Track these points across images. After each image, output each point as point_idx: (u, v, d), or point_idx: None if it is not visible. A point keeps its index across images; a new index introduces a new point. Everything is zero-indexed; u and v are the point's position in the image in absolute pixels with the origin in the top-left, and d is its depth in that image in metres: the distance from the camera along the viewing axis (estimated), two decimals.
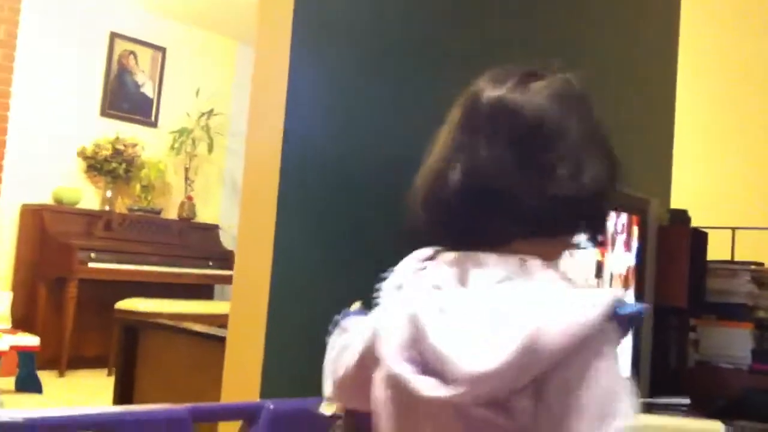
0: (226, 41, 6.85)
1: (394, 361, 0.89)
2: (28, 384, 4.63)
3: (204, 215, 6.61)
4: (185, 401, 1.33)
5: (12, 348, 4.51)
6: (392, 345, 0.90)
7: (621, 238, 2.01)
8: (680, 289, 2.11)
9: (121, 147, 5.95)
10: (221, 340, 1.97)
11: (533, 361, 0.81)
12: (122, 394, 2.78)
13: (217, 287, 6.33)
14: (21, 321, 5.16)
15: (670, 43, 3.40)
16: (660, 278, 2.09)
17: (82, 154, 5.88)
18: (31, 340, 4.65)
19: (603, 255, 1.93)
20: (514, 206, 0.91)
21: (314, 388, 1.54)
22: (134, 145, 6.05)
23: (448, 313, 0.87)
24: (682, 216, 2.33)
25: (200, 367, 2.47)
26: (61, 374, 5.18)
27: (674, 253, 2.15)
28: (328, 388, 1.16)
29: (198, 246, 6.21)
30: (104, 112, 6.10)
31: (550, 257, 0.95)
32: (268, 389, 1.73)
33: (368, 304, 1.23)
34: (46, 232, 5.40)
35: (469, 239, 0.94)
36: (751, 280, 2.26)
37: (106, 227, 5.69)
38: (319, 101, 1.88)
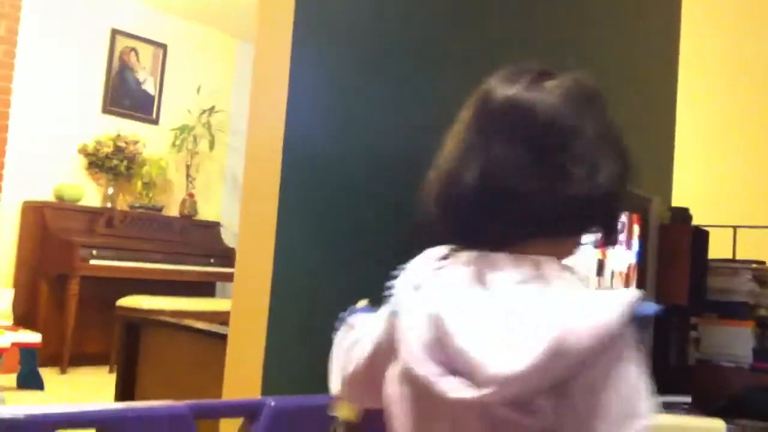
0: (227, 38, 6.85)
1: (418, 362, 0.88)
2: (29, 381, 4.64)
3: (205, 212, 6.61)
4: (187, 398, 1.33)
5: (14, 345, 4.51)
6: (414, 345, 0.89)
7: (622, 237, 2.01)
8: (681, 287, 2.12)
9: (122, 144, 5.95)
10: (222, 337, 1.97)
11: (560, 362, 0.82)
12: (124, 391, 2.78)
13: (219, 284, 6.33)
14: (23, 318, 5.17)
15: (671, 41, 3.40)
16: (661, 276, 2.09)
17: (84, 151, 5.88)
18: (32, 337, 4.66)
19: (604, 253, 1.93)
20: (530, 207, 0.91)
21: (315, 385, 1.54)
22: (135, 142, 6.05)
23: (472, 314, 0.87)
24: (683, 214, 2.33)
25: (202, 365, 2.47)
26: (63, 371, 5.18)
27: (675, 252, 2.15)
28: (335, 385, 1.15)
29: (199, 243, 6.21)
30: (106, 109, 6.10)
31: (561, 256, 0.95)
32: (269, 386, 1.74)
33: (374, 302, 1.24)
34: (48, 230, 5.40)
35: (483, 240, 0.94)
36: (752, 278, 2.26)
37: (108, 224, 5.69)
38: (319, 99, 1.88)
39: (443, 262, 0.96)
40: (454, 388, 0.84)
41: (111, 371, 5.17)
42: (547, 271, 0.90)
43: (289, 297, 1.80)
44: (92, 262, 5.33)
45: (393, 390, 0.96)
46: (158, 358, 2.77)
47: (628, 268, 2.03)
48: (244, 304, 1.86)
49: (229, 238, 6.37)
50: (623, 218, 2.01)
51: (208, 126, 6.49)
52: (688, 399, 1.96)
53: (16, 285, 5.40)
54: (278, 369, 1.77)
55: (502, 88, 0.96)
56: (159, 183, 6.32)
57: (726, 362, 2.14)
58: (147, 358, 2.79)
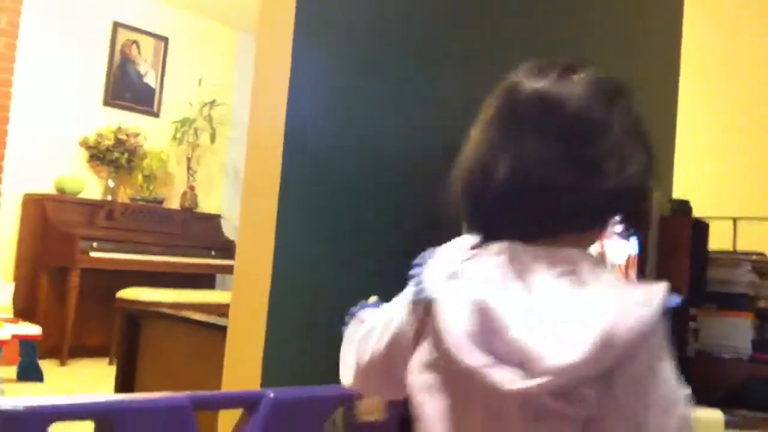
0: (228, 31, 6.84)
1: (465, 352, 0.87)
2: (29, 373, 4.65)
3: (206, 205, 6.61)
4: (186, 390, 1.33)
5: (14, 337, 4.52)
6: (459, 335, 0.88)
7: (622, 228, 2.00)
8: (681, 278, 2.11)
9: (123, 137, 5.95)
10: (222, 329, 1.97)
11: (609, 354, 0.84)
12: (124, 383, 2.79)
13: (219, 277, 6.34)
14: (23, 310, 5.17)
15: (672, 35, 3.39)
16: (661, 268, 2.09)
17: (85, 144, 5.89)
18: (32, 330, 4.67)
19: (603, 245, 1.93)
20: (562, 202, 0.92)
21: (315, 377, 1.54)
22: (136, 135, 6.05)
23: (518, 306, 0.88)
24: (683, 206, 2.33)
25: (201, 356, 2.47)
26: (63, 363, 5.19)
27: (676, 243, 2.15)
28: (348, 376, 1.15)
29: (200, 236, 6.22)
30: (107, 102, 6.10)
31: (585, 246, 0.97)
32: (268, 378, 1.74)
33: (383, 297, 1.24)
34: (48, 222, 5.41)
35: (514, 233, 0.94)
36: (752, 270, 2.26)
37: (108, 217, 5.69)
38: (321, 93, 1.88)
39: (474, 253, 0.95)
40: (508, 380, 0.85)
41: (111, 363, 5.19)
42: (582, 264, 0.91)
43: (288, 289, 1.80)
44: (93, 254, 5.34)
45: (421, 378, 0.95)
46: (158, 349, 2.77)
47: (628, 259, 2.03)
48: (244, 296, 1.86)
49: (229, 230, 6.38)
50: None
51: (209, 119, 6.49)
52: (687, 390, 1.96)
53: (17, 277, 5.41)
54: (278, 361, 1.77)
55: (530, 82, 0.96)
56: (160, 176, 6.32)
57: (725, 353, 2.14)
58: (147, 349, 2.79)
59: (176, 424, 1.28)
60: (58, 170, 5.72)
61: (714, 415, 1.75)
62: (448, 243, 1.00)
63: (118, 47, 6.16)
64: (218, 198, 6.78)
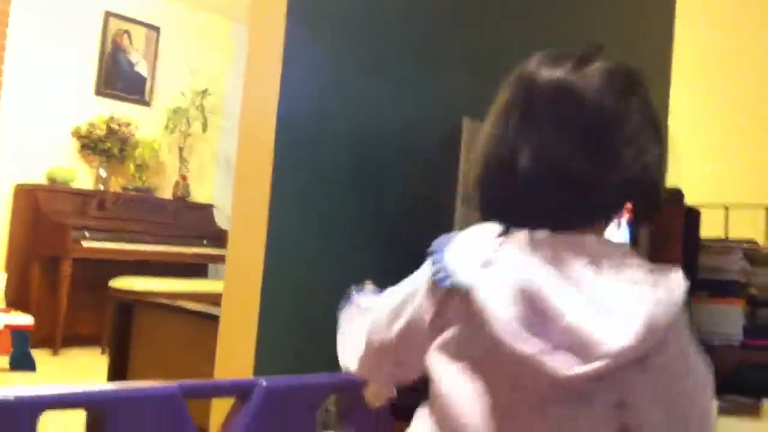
0: (221, 20, 6.80)
1: (519, 340, 0.88)
2: (21, 362, 4.64)
3: (198, 194, 6.60)
4: (179, 379, 1.33)
5: (6, 327, 4.51)
6: (508, 323, 0.88)
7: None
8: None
9: (115, 126, 5.92)
10: (215, 318, 1.97)
11: (652, 338, 0.86)
12: (116, 373, 2.79)
13: (211, 266, 6.33)
14: (15, 300, 5.16)
15: (666, 25, 3.39)
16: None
17: (76, 134, 5.86)
18: (24, 319, 4.66)
19: None
20: (583, 192, 0.94)
21: (307, 365, 1.54)
22: (128, 125, 6.02)
23: (565, 293, 0.89)
24: (676, 195, 2.33)
25: (194, 345, 2.47)
26: (55, 353, 5.18)
27: (668, 231, 2.15)
28: (352, 361, 1.16)
29: (192, 225, 6.20)
30: (98, 92, 6.07)
31: (602, 233, 0.98)
32: (261, 367, 1.74)
33: (379, 284, 1.26)
34: (40, 212, 5.39)
35: (539, 222, 0.95)
36: (743, 257, 2.26)
37: (100, 206, 5.67)
38: (313, 82, 1.87)
39: (503, 241, 0.95)
40: (566, 365, 0.86)
41: (103, 352, 5.18)
42: (608, 251, 0.93)
43: (280, 279, 1.80)
44: (85, 244, 5.32)
45: (447, 362, 0.96)
46: (151, 339, 2.77)
47: None
48: (237, 285, 1.86)
49: (222, 220, 6.36)
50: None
51: (201, 108, 6.46)
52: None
53: (9, 267, 5.39)
54: (270, 350, 1.77)
55: (547, 72, 0.97)
56: (152, 165, 6.29)
57: (717, 340, 2.15)
58: (139, 339, 2.79)
59: (168, 412, 1.27)
60: (50, 160, 5.69)
61: None
62: (467, 231, 1.00)
63: (109, 37, 6.13)
64: (210, 187, 6.76)
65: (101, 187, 5.88)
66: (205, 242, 6.08)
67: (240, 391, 1.40)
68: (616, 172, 0.93)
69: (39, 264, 5.34)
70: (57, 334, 5.18)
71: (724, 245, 2.31)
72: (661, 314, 0.87)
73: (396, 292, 1.07)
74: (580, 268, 0.90)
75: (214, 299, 2.25)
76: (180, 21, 6.54)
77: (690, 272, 2.28)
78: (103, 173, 5.93)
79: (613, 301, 0.88)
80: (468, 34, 2.23)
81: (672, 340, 0.90)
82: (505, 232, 0.96)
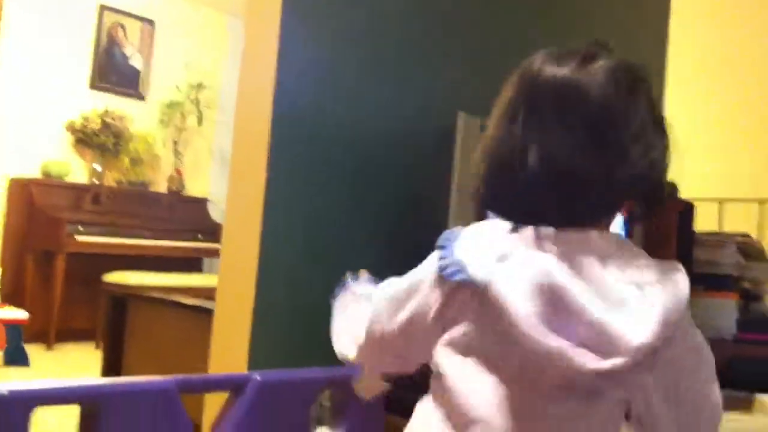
0: (216, 14, 6.79)
1: (543, 335, 0.88)
2: (15, 357, 4.63)
3: (193, 189, 6.59)
4: (173, 373, 1.33)
5: (0, 321, 4.50)
6: (530, 318, 0.89)
7: None
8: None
9: (109, 120, 5.91)
10: (209, 312, 1.97)
11: (665, 334, 0.88)
12: (110, 367, 2.79)
13: (206, 260, 6.33)
14: (9, 295, 5.15)
15: (660, 16, 3.39)
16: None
17: (71, 128, 5.84)
18: (18, 314, 4.65)
19: None
20: (591, 190, 0.94)
21: (302, 360, 1.54)
22: (122, 118, 6.01)
23: (585, 289, 0.89)
24: (670, 188, 2.33)
25: (188, 340, 2.47)
26: (49, 347, 5.18)
27: (662, 225, 2.16)
28: (349, 349, 1.16)
29: (187, 219, 6.20)
30: (93, 85, 6.05)
31: (607, 228, 0.99)
32: (255, 361, 1.74)
33: (375, 274, 1.28)
34: (35, 206, 5.37)
35: (549, 219, 0.95)
36: (737, 251, 2.27)
37: (95, 201, 5.66)
38: (309, 75, 1.86)
39: (515, 237, 0.96)
40: (590, 360, 0.87)
41: (98, 347, 5.18)
42: (617, 247, 0.94)
43: (275, 273, 1.80)
44: (79, 238, 5.31)
45: (451, 355, 0.96)
46: (145, 333, 2.77)
47: None
48: (231, 280, 1.86)
49: (217, 214, 6.35)
50: None
51: (196, 102, 6.45)
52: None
53: (3, 262, 5.38)
54: (264, 344, 1.77)
55: (551, 70, 0.98)
56: (146, 159, 6.28)
57: (710, 334, 2.15)
58: (133, 333, 2.79)
59: (162, 407, 1.27)
60: (44, 154, 5.68)
61: None
62: (475, 226, 1.00)
63: (104, 30, 6.11)
64: (205, 181, 6.75)
65: (96, 181, 5.87)
66: (199, 236, 6.08)
67: (234, 386, 1.40)
68: (623, 169, 0.93)
69: (33, 258, 5.33)
70: (51, 329, 5.17)
71: (719, 239, 2.32)
72: (672, 311, 0.89)
73: (398, 283, 1.07)
74: (589, 265, 0.91)
75: (209, 293, 2.25)
76: (174, 14, 6.52)
77: (685, 266, 2.28)
78: (97, 167, 5.92)
79: (625, 298, 0.89)
80: (464, 29, 2.23)
81: (679, 336, 0.91)
82: (515, 229, 0.97)
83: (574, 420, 0.92)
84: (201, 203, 6.49)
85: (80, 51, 5.97)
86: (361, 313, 1.18)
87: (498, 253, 0.93)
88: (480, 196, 1.02)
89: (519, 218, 0.97)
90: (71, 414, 1.24)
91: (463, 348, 0.95)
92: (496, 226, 0.98)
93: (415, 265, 1.08)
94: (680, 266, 0.94)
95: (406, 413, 1.62)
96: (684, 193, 2.37)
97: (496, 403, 0.91)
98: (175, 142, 6.48)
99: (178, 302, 2.70)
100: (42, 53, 5.71)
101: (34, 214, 5.36)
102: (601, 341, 0.87)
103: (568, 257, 0.91)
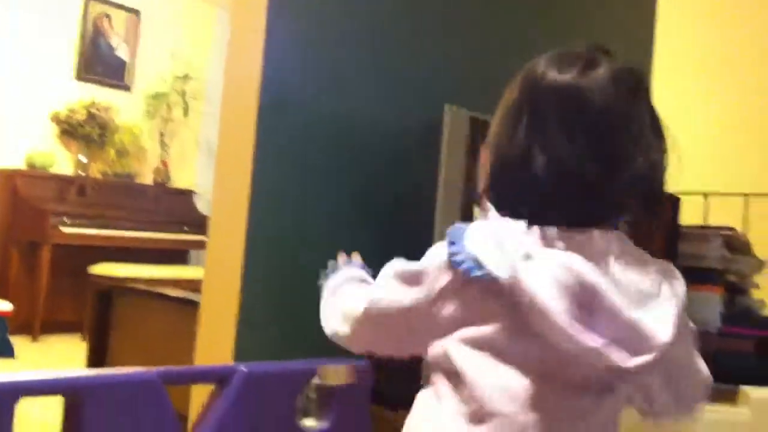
0: (202, 5, 6.75)
1: (580, 333, 0.90)
2: (0, 349, 4.60)
3: (179, 180, 6.56)
4: (159, 365, 1.32)
5: None
6: (558, 314, 0.90)
7: None
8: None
9: (95, 111, 5.87)
10: (195, 304, 1.96)
11: (680, 329, 0.93)
12: (95, 359, 2.78)
13: (193, 253, 6.30)
14: None
15: (647, 12, 3.39)
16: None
17: (56, 119, 5.80)
18: (3, 306, 4.62)
19: None
20: (597, 192, 0.97)
21: (288, 352, 1.54)
22: (108, 110, 5.98)
23: (613, 287, 0.92)
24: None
25: (174, 332, 2.47)
26: (35, 339, 5.15)
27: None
28: (339, 324, 1.17)
29: (173, 211, 6.17)
30: (79, 76, 6.01)
31: (611, 229, 1.01)
32: (241, 353, 1.73)
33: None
34: (19, 197, 5.34)
35: (554, 219, 0.97)
36: (722, 244, 2.28)
37: (80, 192, 5.63)
38: (296, 64, 1.86)
39: (531, 235, 0.97)
40: (623, 358, 0.90)
41: (83, 339, 5.15)
42: (625, 247, 0.98)
43: (261, 265, 1.79)
44: (64, 229, 5.28)
45: (467, 349, 0.97)
46: (130, 325, 2.76)
47: None
48: (217, 272, 1.85)
49: (203, 206, 6.33)
50: None
51: (182, 93, 6.42)
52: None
53: None
54: (250, 336, 1.77)
55: (554, 74, 1.00)
56: (132, 151, 6.24)
57: (695, 327, 2.16)
58: (119, 325, 2.78)
59: (147, 398, 1.27)
60: (29, 145, 5.64)
61: None
62: (488, 223, 1.01)
63: (90, 20, 6.07)
64: (192, 173, 6.72)
65: (81, 173, 5.83)
66: (186, 228, 6.05)
67: (220, 378, 1.40)
68: (625, 171, 0.96)
69: (18, 250, 5.30)
70: (36, 321, 5.15)
71: (704, 233, 2.33)
72: (681, 309, 0.94)
73: (404, 268, 1.07)
74: (606, 264, 0.94)
75: (195, 286, 2.24)
76: (160, 5, 6.48)
77: (669, 259, 2.29)
78: (83, 159, 5.88)
79: (644, 296, 0.93)
80: (452, 21, 2.23)
81: (682, 331, 0.95)
82: (529, 228, 0.98)
83: (586, 415, 0.96)
84: (187, 195, 6.47)
85: (65, 41, 5.93)
86: (355, 292, 1.20)
87: (522, 251, 0.94)
88: (487, 195, 1.04)
89: (527, 218, 0.98)
90: (56, 406, 1.23)
91: (480, 343, 0.97)
92: (513, 225, 0.98)
93: (403, 256, 1.08)
94: (673, 266, 0.98)
95: (392, 404, 1.63)
96: (669, 187, 2.38)
97: (515, 398, 0.94)
98: (162, 134, 6.45)
99: (164, 294, 2.69)
100: (27, 44, 5.66)
101: (19, 205, 5.33)
102: (632, 339, 0.90)
103: (588, 256, 0.94)
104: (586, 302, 0.91)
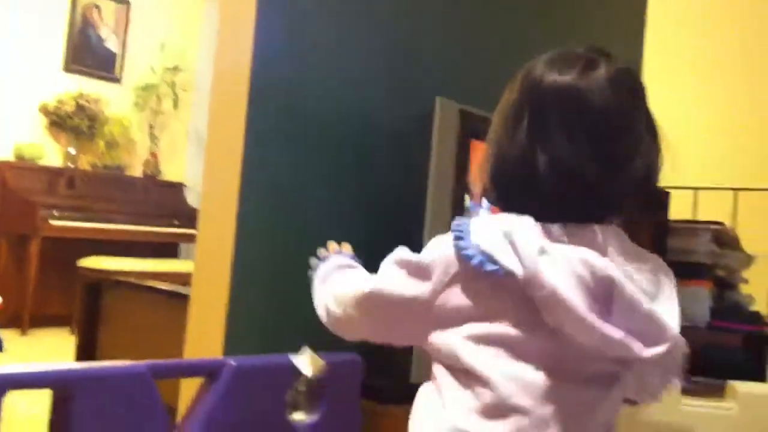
0: None
1: (600, 325, 0.93)
2: None
3: (169, 173, 6.54)
4: (148, 359, 1.32)
5: None
6: (583, 307, 0.92)
7: None
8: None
9: (84, 103, 5.84)
10: (185, 298, 1.96)
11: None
12: (84, 353, 2.77)
13: (183, 246, 6.28)
14: None
15: (637, 10, 3.40)
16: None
17: (44, 110, 5.77)
18: None
19: None
20: (598, 191, 0.99)
21: (277, 346, 1.54)
22: (97, 101, 5.95)
23: (629, 281, 0.95)
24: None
25: (164, 326, 2.46)
26: (24, 333, 5.13)
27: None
28: (332, 306, 1.17)
29: (163, 204, 6.15)
30: (67, 68, 5.98)
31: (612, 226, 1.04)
32: (231, 347, 1.73)
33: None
34: (8, 189, 5.31)
35: (556, 216, 0.99)
36: (711, 239, 2.28)
37: (69, 184, 5.61)
38: (286, 53, 1.85)
39: (540, 230, 0.98)
40: (640, 348, 0.94)
41: (72, 333, 5.13)
42: (621, 240, 1.00)
43: (252, 258, 1.79)
44: (53, 222, 5.26)
45: (477, 344, 0.98)
46: (120, 319, 2.75)
47: None
48: (207, 265, 1.85)
49: (193, 199, 6.31)
50: None
51: (172, 85, 6.40)
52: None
53: None
54: (240, 329, 1.76)
55: (553, 77, 1.01)
56: (122, 143, 6.22)
57: (684, 322, 2.17)
58: (108, 319, 2.77)
59: (136, 392, 1.27)
60: (18, 137, 5.61)
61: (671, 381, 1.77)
62: (486, 219, 1.02)
63: (78, 11, 6.03)
64: (181, 166, 6.70)
65: (70, 165, 5.81)
66: (176, 222, 6.03)
67: (208, 371, 1.40)
68: (625, 172, 0.98)
69: (6, 242, 5.28)
70: (25, 314, 5.13)
71: (693, 227, 2.33)
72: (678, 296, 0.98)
73: (409, 257, 1.06)
74: (616, 258, 0.97)
75: (186, 279, 2.24)
76: None
77: (658, 254, 2.30)
78: (72, 150, 5.85)
79: (653, 289, 0.97)
80: (444, 12, 2.22)
81: None
82: (537, 223, 1.00)
83: (596, 405, 0.98)
84: (177, 188, 6.45)
85: (54, 32, 5.89)
86: (351, 278, 1.21)
87: (536, 246, 0.95)
88: (486, 193, 1.06)
89: (530, 214, 0.99)
90: (44, 399, 1.23)
91: (490, 339, 0.97)
92: (515, 220, 0.99)
93: (394, 247, 1.08)
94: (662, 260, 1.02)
95: (382, 399, 1.63)
96: (660, 184, 2.39)
97: (532, 392, 0.95)
98: (151, 126, 6.42)
99: (153, 287, 2.68)
100: (15, 35, 5.63)
101: (8, 197, 5.30)
102: (651, 330, 0.94)
103: (601, 252, 0.96)
104: (602, 295, 0.93)
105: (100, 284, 2.86)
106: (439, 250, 1.02)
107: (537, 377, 0.95)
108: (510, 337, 0.96)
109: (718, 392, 1.83)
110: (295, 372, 1.47)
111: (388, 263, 1.08)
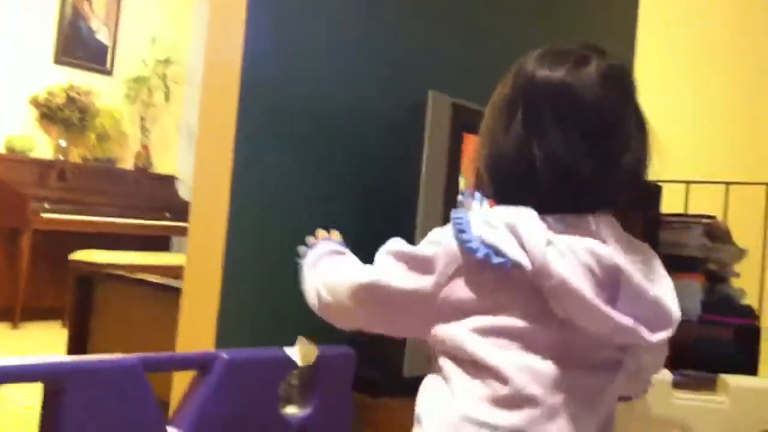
0: None
1: (612, 312, 0.95)
2: None
3: (161, 166, 6.52)
4: (140, 352, 1.31)
5: None
6: (594, 296, 0.94)
7: None
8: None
9: (75, 95, 5.82)
10: (177, 291, 1.95)
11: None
12: (76, 346, 2.76)
13: (175, 239, 6.27)
14: None
15: (630, 6, 3.40)
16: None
17: (35, 102, 5.75)
18: None
19: None
20: (591, 184, 1.00)
21: (270, 339, 1.54)
22: (88, 93, 5.92)
23: (633, 268, 0.97)
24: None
25: (156, 319, 2.45)
26: (15, 326, 5.12)
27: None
28: (323, 293, 1.17)
29: (154, 197, 6.14)
30: (58, 60, 5.95)
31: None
32: (223, 340, 1.73)
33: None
34: None
35: (551, 208, 1.00)
36: (703, 233, 2.29)
37: (60, 177, 5.59)
38: (278, 46, 1.84)
39: (541, 222, 0.99)
40: (647, 334, 0.96)
41: (64, 326, 5.12)
42: (616, 229, 1.01)
43: (243, 251, 1.79)
44: (44, 215, 5.24)
45: (485, 337, 0.98)
46: (112, 312, 2.75)
47: None
48: (199, 258, 1.84)
49: (185, 192, 6.30)
50: None
51: (163, 77, 6.37)
52: None
53: None
54: (233, 322, 1.76)
55: (546, 71, 1.02)
56: (113, 135, 6.20)
57: None
58: (100, 312, 2.76)
59: (128, 385, 1.26)
60: (8, 129, 5.59)
61: (662, 375, 1.78)
62: (485, 211, 1.02)
63: (69, 3, 6.00)
64: (173, 159, 6.68)
65: (61, 157, 5.79)
66: (167, 214, 6.02)
67: (201, 364, 1.39)
68: (617, 166, 1.00)
69: None
70: (16, 308, 5.11)
71: (685, 221, 2.34)
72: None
73: (410, 249, 1.05)
74: (617, 248, 0.98)
75: (178, 272, 2.23)
76: None
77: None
78: (63, 143, 5.83)
79: (653, 276, 0.99)
80: (435, 5, 2.22)
81: None
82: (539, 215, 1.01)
83: (602, 392, 1.00)
84: (168, 181, 6.43)
85: (44, 24, 5.86)
86: (340, 266, 1.21)
87: (542, 237, 0.96)
88: (480, 188, 1.08)
89: (526, 205, 1.00)
90: (36, 393, 1.22)
91: (497, 331, 0.97)
92: (516, 212, 0.99)
93: (386, 239, 1.08)
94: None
95: (375, 392, 1.63)
96: (650, 175, 2.39)
97: (542, 381, 0.95)
98: (142, 118, 6.40)
99: (145, 281, 2.68)
100: (5, 26, 5.60)
101: None
102: (657, 316, 0.97)
103: (601, 239, 0.98)
104: (609, 283, 0.95)
105: (91, 277, 2.85)
106: (440, 243, 1.02)
107: (546, 366, 0.96)
108: (518, 329, 0.97)
109: (709, 385, 1.83)
110: (288, 365, 1.47)
111: (384, 254, 1.07)
